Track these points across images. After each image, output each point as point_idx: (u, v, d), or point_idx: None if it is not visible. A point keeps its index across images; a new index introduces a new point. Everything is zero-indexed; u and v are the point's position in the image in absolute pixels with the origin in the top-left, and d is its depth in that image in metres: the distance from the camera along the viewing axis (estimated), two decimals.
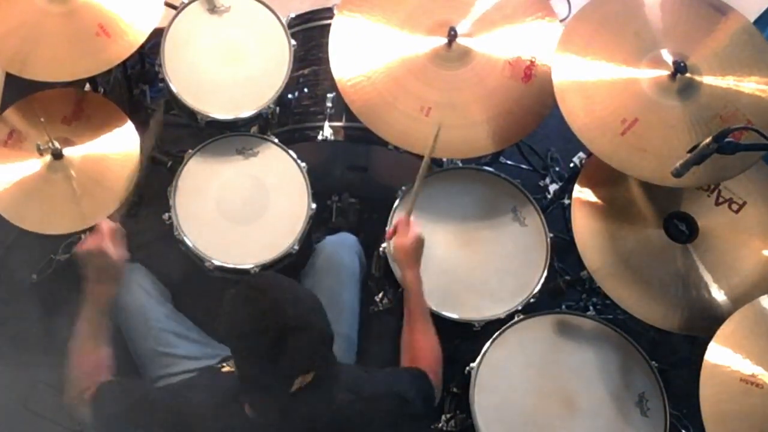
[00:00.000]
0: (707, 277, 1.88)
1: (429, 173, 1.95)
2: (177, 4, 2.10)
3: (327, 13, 2.25)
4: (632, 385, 1.85)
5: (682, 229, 1.94)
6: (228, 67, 2.06)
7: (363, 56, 2.00)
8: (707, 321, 1.81)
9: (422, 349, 1.67)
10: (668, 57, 1.85)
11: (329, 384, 1.37)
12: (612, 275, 1.87)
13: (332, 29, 2.03)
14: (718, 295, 1.87)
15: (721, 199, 1.96)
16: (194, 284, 2.13)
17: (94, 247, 1.58)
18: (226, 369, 1.61)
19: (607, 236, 1.91)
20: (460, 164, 2.11)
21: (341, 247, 2.03)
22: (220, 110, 2.04)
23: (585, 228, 1.92)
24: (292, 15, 2.26)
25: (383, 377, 1.57)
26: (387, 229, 1.96)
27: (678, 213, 1.95)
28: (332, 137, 2.10)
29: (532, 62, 2.01)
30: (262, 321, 1.26)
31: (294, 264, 2.02)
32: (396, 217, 1.97)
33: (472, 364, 1.85)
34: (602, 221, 1.93)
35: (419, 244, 1.75)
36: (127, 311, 1.88)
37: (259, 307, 1.27)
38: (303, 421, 1.37)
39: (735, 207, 1.93)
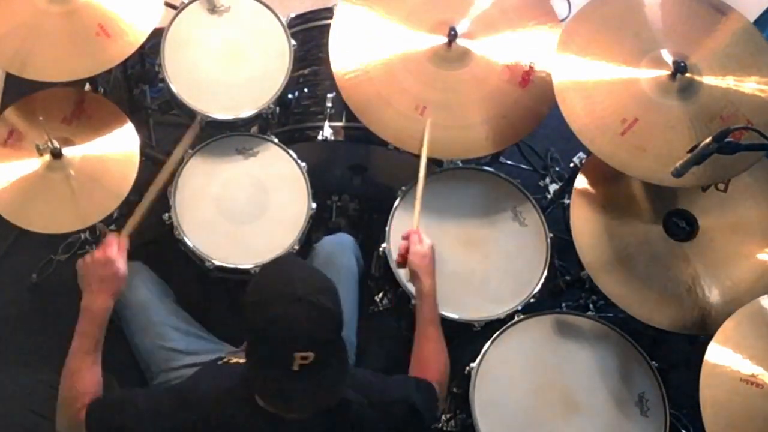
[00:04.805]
0: (708, 275, 1.89)
1: (428, 175, 1.95)
2: (177, 4, 2.10)
3: (327, 13, 2.25)
4: (632, 385, 1.85)
5: (682, 226, 1.94)
6: (228, 67, 2.06)
7: (363, 48, 1.99)
8: (708, 320, 1.81)
9: (434, 360, 1.66)
10: (668, 57, 1.85)
11: (337, 370, 1.33)
12: (611, 274, 1.87)
13: (335, 18, 2.02)
14: (719, 293, 1.87)
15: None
16: (194, 284, 2.13)
17: (103, 256, 1.59)
18: (233, 361, 1.62)
19: (606, 236, 1.91)
20: (460, 164, 2.11)
21: (339, 248, 2.03)
22: (220, 110, 2.04)
23: (584, 227, 1.92)
24: (292, 15, 2.26)
25: (394, 384, 1.55)
26: (387, 229, 1.97)
27: (677, 210, 1.95)
28: (332, 137, 2.10)
29: (530, 68, 2.01)
30: (273, 289, 1.31)
31: None
32: (396, 222, 1.98)
33: (472, 364, 1.85)
34: (602, 221, 1.93)
35: (433, 251, 1.76)
36: (128, 307, 1.88)
37: (271, 276, 1.34)
38: (309, 409, 1.34)
39: (721, 186, 1.88)
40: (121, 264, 1.62)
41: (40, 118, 1.80)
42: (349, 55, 1.99)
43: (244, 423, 1.38)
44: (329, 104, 2.10)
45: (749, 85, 1.83)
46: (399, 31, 2.02)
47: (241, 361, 1.48)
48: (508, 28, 2.05)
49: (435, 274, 1.75)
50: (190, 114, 2.06)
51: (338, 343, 1.35)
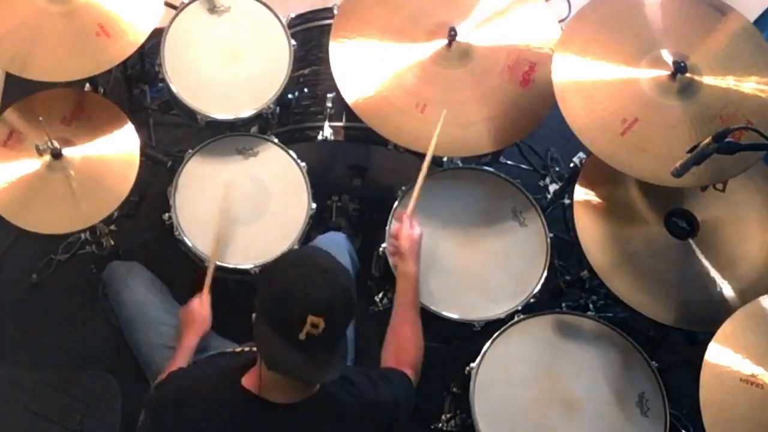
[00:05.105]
0: (713, 272, 1.89)
1: (429, 175, 1.95)
2: (177, 4, 2.10)
3: (327, 13, 2.25)
4: (632, 385, 1.85)
5: (682, 226, 1.94)
6: (228, 67, 2.06)
7: (369, 76, 1.99)
8: (715, 314, 1.80)
9: (409, 341, 1.69)
10: (668, 57, 1.85)
11: (340, 350, 1.37)
12: (618, 275, 1.87)
13: (332, 59, 2.01)
14: (725, 288, 1.88)
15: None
16: (194, 284, 2.13)
17: (196, 317, 1.80)
18: (237, 350, 1.65)
19: (609, 236, 1.91)
20: (460, 164, 2.11)
21: (331, 246, 2.02)
22: (220, 110, 2.04)
23: (587, 228, 1.92)
24: (292, 15, 2.26)
25: (382, 382, 1.56)
26: (388, 228, 1.96)
27: (678, 210, 1.95)
28: (332, 137, 2.10)
29: (531, 67, 2.01)
30: (298, 258, 1.40)
31: None
32: (396, 222, 1.98)
33: (472, 364, 1.85)
34: (604, 221, 1.93)
35: (420, 239, 1.79)
36: (127, 306, 1.89)
37: (298, 252, 1.47)
38: (307, 381, 1.37)
39: (719, 186, 1.85)
40: (207, 318, 1.82)
41: (40, 118, 1.81)
42: (359, 87, 1.99)
43: (230, 405, 1.41)
44: (329, 104, 2.10)
45: (749, 85, 1.82)
46: (397, 48, 2.02)
47: (246, 349, 1.50)
48: (501, 16, 2.06)
49: (419, 261, 1.77)
50: (189, 114, 2.06)
51: (346, 327, 1.37)
